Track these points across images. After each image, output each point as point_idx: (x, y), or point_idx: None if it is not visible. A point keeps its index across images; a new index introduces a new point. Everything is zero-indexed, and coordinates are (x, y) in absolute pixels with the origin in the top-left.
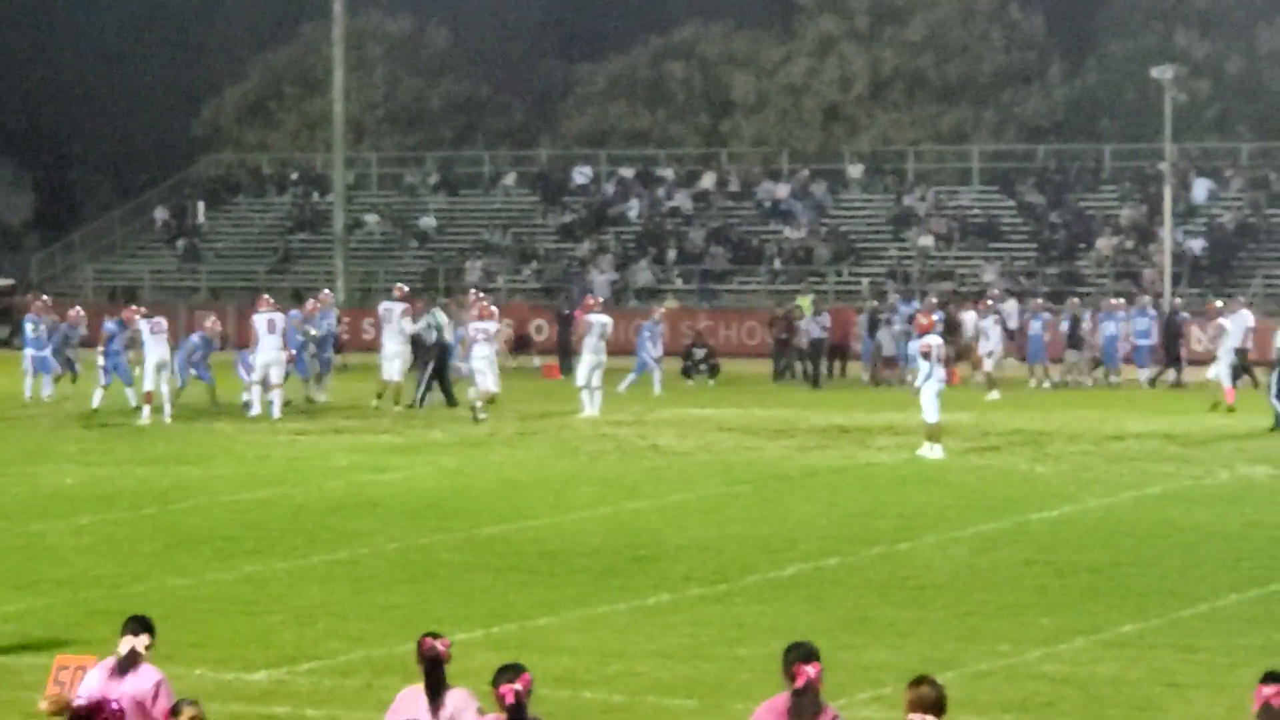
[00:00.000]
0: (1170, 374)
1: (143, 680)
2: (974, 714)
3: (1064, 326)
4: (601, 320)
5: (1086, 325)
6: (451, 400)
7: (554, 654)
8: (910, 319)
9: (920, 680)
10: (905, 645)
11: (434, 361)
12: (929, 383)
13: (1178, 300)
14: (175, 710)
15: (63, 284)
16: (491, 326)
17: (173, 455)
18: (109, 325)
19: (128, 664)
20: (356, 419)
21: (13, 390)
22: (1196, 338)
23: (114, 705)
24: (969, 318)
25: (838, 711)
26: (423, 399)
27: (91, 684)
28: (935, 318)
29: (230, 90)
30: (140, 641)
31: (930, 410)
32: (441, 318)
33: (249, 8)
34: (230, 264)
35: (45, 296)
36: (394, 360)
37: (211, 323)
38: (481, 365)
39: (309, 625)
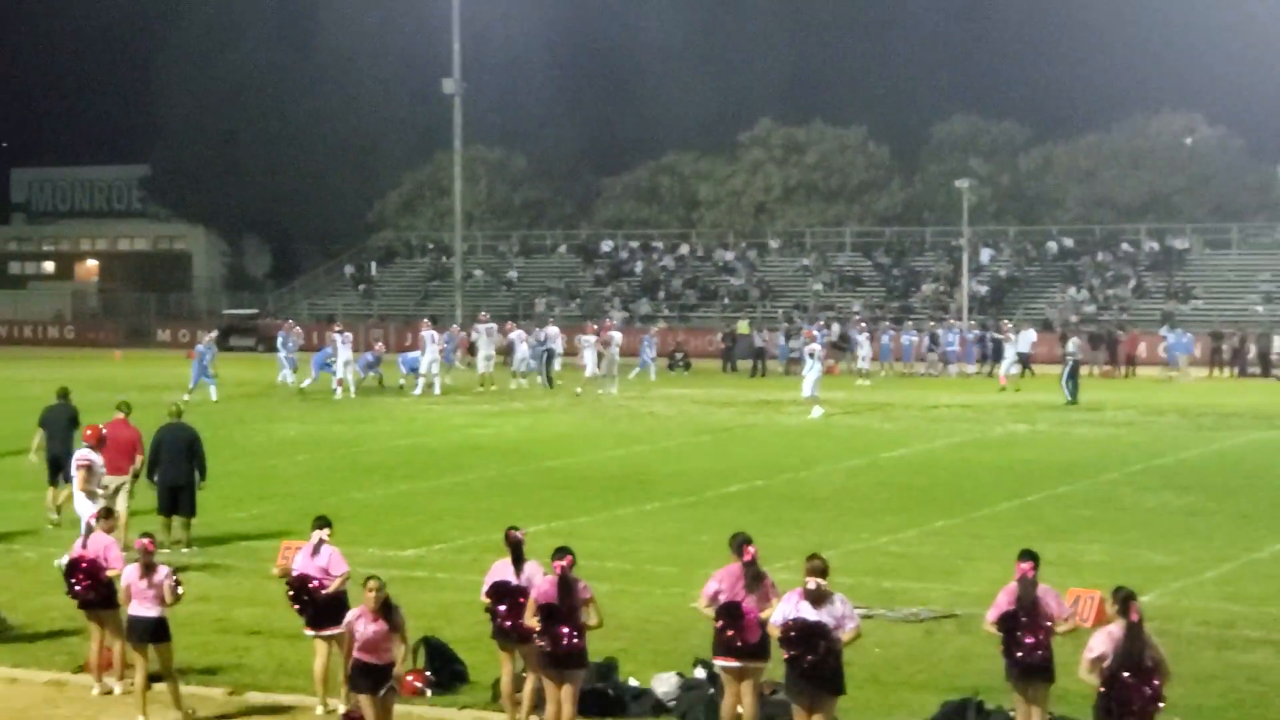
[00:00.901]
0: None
1: (323, 557)
2: (846, 576)
3: (908, 339)
4: (618, 335)
5: (941, 336)
6: (551, 385)
7: (588, 540)
8: (798, 332)
9: (813, 556)
10: (804, 535)
11: (548, 361)
12: (812, 371)
13: (990, 322)
14: (364, 583)
15: (288, 313)
16: (593, 338)
17: (355, 418)
18: (326, 350)
19: (317, 548)
20: (467, 395)
21: (260, 379)
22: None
23: (314, 582)
24: (851, 333)
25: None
26: (550, 381)
27: (297, 560)
28: (816, 333)
29: (391, 193)
30: (324, 533)
31: (812, 388)
32: (552, 331)
33: (401, 142)
34: (392, 300)
35: (291, 320)
36: (489, 360)
37: (379, 347)
38: (588, 360)
39: (439, 522)
